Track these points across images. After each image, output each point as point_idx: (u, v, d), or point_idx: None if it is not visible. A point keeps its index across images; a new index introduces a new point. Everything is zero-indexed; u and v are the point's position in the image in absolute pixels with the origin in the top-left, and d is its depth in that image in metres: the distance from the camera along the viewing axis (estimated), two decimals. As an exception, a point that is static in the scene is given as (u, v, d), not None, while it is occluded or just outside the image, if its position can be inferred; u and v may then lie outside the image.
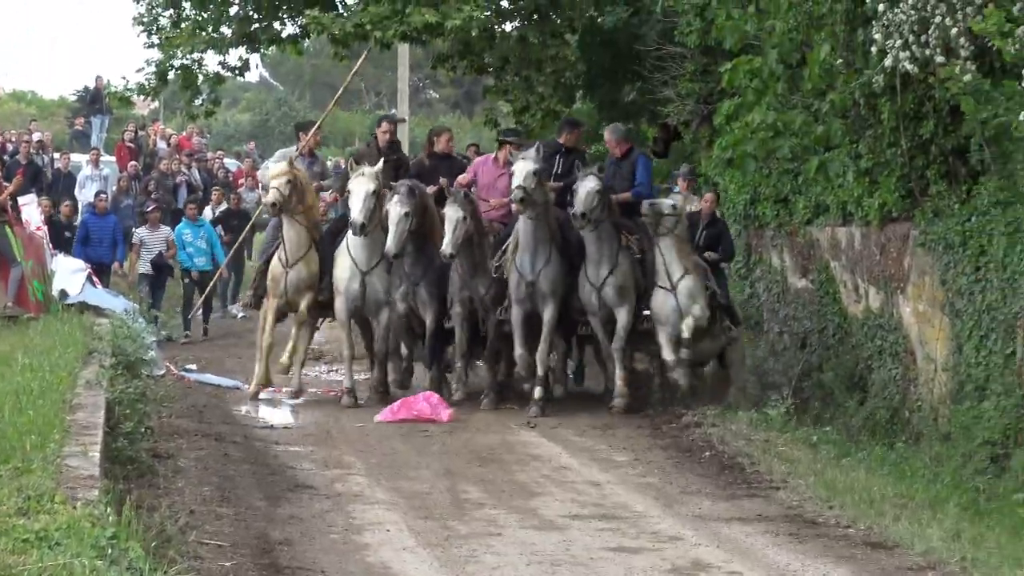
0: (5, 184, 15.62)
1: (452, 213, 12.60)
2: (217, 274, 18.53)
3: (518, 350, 13.16)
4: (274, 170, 13.89)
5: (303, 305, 13.66)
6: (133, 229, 18.75)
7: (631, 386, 13.30)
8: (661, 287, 12.91)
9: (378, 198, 13.07)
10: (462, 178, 13.75)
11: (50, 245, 16.43)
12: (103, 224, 18.42)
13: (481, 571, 8.12)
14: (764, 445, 12.19)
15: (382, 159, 13.70)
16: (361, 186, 13.04)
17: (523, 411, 12.89)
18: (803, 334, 15.79)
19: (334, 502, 9.92)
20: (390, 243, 12.71)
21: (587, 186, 12.69)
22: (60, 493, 7.88)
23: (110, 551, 6.81)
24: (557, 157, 13.86)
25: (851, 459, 11.96)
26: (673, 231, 12.94)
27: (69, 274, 16.30)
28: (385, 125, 15.38)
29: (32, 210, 16.39)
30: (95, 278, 16.77)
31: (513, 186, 12.72)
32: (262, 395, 13.77)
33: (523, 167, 12.72)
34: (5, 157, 19.51)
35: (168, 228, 18.63)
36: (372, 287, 13.34)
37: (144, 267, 17.87)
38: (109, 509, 7.52)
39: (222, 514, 9.42)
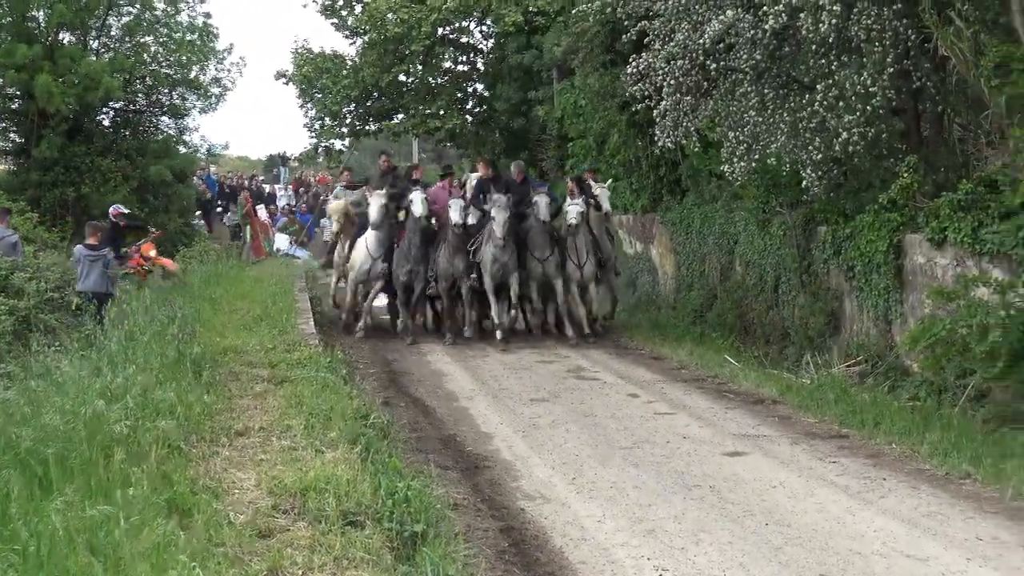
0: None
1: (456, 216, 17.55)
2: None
3: (492, 301, 18.05)
4: (333, 207, 20.62)
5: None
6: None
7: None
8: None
9: (387, 209, 18.08)
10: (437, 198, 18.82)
11: (273, 228, 31.08)
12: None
13: (479, 368, 15.66)
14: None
15: (387, 185, 18.79)
16: (376, 201, 17.99)
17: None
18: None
19: (414, 347, 17.70)
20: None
21: (546, 202, 17.73)
22: (302, 341, 14.34)
23: (328, 364, 12.60)
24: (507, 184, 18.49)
25: (636, 316, 20.37)
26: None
27: (281, 242, 31.20)
28: (383, 157, 21.34)
29: (262, 212, 31.84)
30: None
31: (498, 235, 17.25)
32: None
33: (503, 216, 17.27)
34: (246, 187, 35.36)
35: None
36: (378, 267, 18.39)
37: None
38: (323, 348, 14.13)
39: (365, 348, 17.46)
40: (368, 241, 18.39)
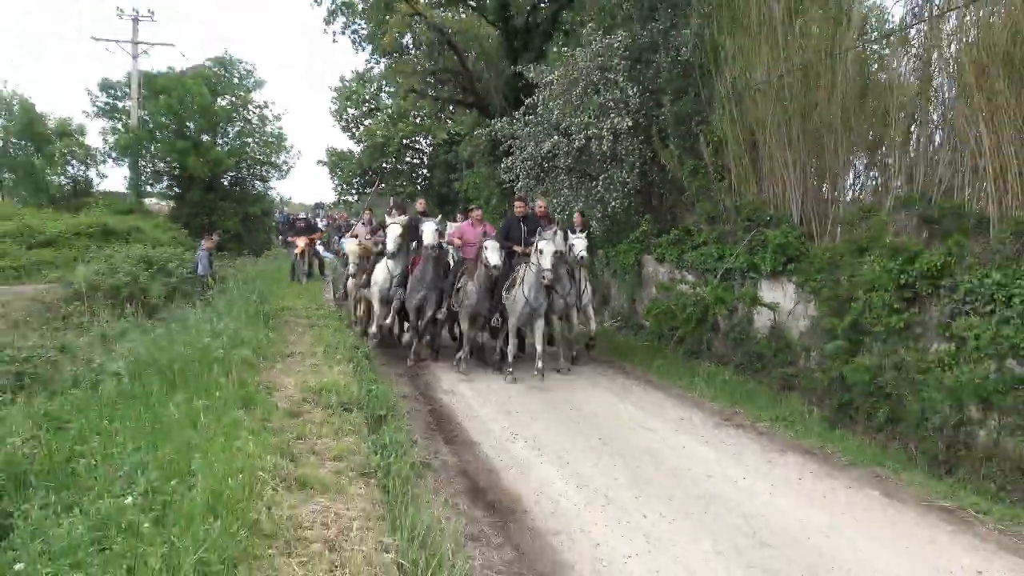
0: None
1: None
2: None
3: (513, 341, 9.98)
4: (351, 247, 12.51)
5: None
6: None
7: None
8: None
9: (402, 238, 10.34)
10: (456, 240, 10.68)
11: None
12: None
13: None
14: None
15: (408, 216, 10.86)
16: (393, 230, 10.31)
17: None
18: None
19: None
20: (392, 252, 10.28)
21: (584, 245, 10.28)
22: (325, 305, 13.46)
23: (338, 317, 11.95)
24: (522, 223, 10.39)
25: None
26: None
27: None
28: (392, 202, 11.17)
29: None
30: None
31: (546, 267, 9.28)
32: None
33: (549, 250, 9.36)
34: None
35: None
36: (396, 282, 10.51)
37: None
38: (335, 313, 12.61)
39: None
40: (387, 262, 10.59)
